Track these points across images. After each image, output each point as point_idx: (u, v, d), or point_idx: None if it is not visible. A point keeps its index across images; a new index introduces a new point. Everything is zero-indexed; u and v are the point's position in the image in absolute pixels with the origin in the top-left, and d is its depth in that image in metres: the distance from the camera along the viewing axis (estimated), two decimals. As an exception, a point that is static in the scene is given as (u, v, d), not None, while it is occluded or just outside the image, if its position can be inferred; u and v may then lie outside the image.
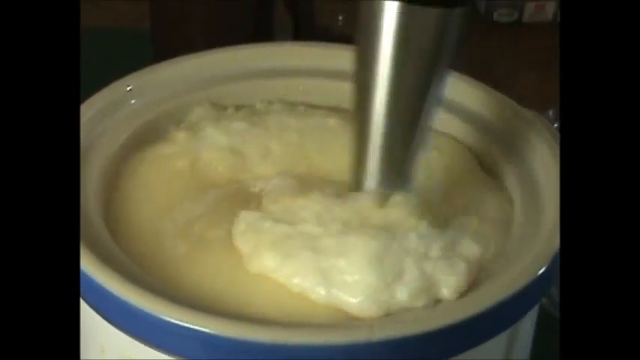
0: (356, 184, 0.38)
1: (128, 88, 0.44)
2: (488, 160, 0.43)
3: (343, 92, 0.45)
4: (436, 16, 0.35)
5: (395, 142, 0.37)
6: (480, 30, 0.83)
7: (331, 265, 0.35)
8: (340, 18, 0.74)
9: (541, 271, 0.36)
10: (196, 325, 0.33)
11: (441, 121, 0.44)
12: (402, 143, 0.37)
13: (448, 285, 0.35)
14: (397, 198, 0.37)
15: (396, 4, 0.35)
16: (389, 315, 0.35)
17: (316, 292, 0.35)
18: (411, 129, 0.37)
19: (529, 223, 0.39)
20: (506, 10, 0.83)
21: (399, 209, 0.37)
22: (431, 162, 0.41)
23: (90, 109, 0.42)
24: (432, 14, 0.35)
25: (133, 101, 0.44)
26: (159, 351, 0.34)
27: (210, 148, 0.42)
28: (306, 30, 0.71)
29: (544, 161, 0.41)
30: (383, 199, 0.37)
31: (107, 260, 0.35)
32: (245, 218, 0.38)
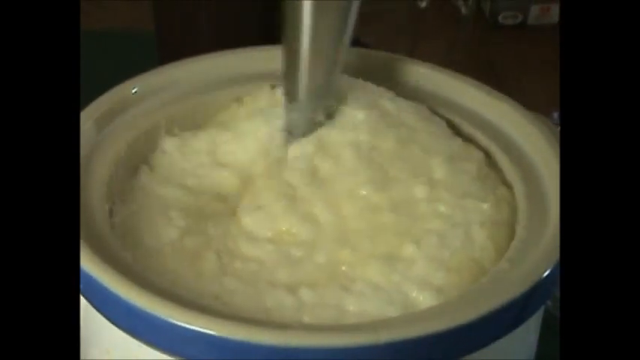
0: (290, 97, 0.43)
1: (133, 91, 0.44)
2: (492, 162, 0.43)
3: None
4: None
5: (317, 62, 0.42)
6: (484, 32, 0.83)
7: None
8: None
9: (546, 273, 0.36)
10: (201, 327, 0.33)
11: (447, 122, 0.45)
12: (323, 69, 0.43)
13: None
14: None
15: None
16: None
17: None
18: (330, 59, 0.43)
19: (533, 225, 0.39)
20: (512, 13, 0.83)
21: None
22: None
23: (95, 112, 0.42)
24: None
25: (138, 104, 0.44)
26: (165, 353, 0.34)
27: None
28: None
29: (548, 164, 0.41)
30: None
31: (112, 262, 0.35)
32: None
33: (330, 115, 0.43)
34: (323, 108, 0.43)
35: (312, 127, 0.43)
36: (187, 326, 0.33)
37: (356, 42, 0.44)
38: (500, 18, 0.83)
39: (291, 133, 0.43)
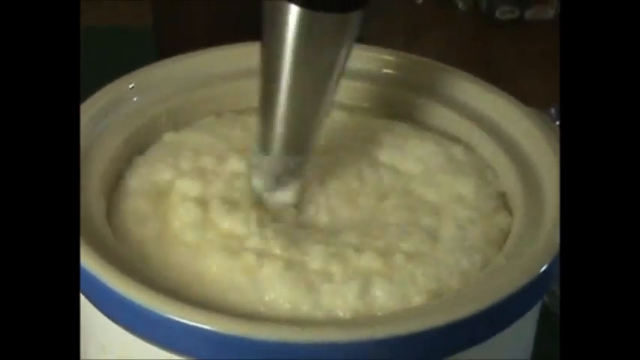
0: (263, 149, 0.40)
1: (130, 86, 0.44)
2: (489, 157, 0.43)
3: (343, 89, 0.45)
4: (336, 20, 0.37)
5: (296, 124, 0.39)
6: (481, 28, 0.83)
7: None
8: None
9: (543, 269, 0.36)
10: (200, 323, 0.33)
11: (444, 118, 0.45)
12: (301, 124, 0.40)
13: None
14: None
15: (299, 9, 0.36)
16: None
17: None
18: (310, 115, 0.39)
19: (530, 221, 0.39)
20: (508, 8, 0.83)
21: None
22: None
23: (92, 107, 0.42)
24: (332, 19, 0.37)
25: (135, 99, 0.44)
26: (162, 349, 0.34)
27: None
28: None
29: (546, 159, 0.41)
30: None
31: (110, 258, 0.35)
32: None
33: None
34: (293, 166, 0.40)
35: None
36: (184, 322, 0.33)
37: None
38: (496, 13, 0.83)
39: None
